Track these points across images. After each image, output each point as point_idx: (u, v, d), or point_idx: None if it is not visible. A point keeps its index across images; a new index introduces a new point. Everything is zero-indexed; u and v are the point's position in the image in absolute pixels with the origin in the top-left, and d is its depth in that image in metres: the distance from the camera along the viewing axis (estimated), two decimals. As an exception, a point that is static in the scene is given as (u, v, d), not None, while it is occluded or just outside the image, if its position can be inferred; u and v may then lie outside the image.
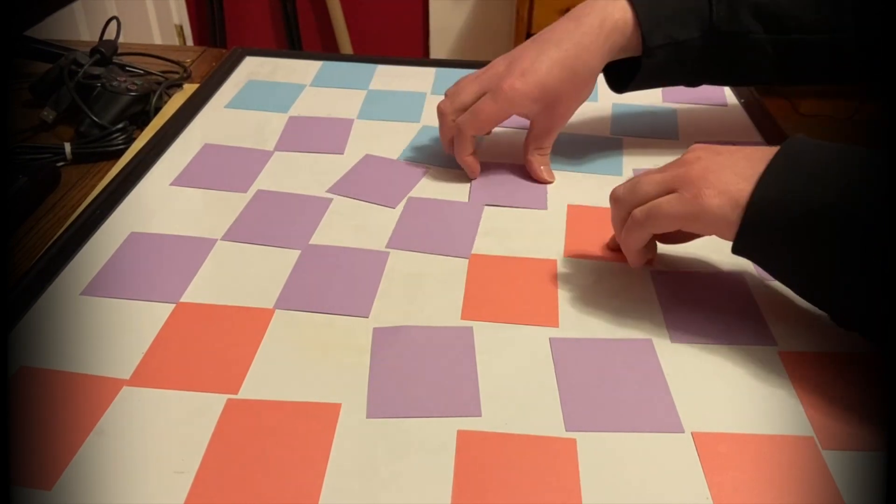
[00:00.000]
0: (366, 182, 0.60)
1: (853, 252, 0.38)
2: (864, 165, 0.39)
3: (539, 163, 0.61)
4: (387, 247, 0.53)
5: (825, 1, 0.56)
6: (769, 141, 0.66)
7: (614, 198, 0.49)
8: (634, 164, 0.63)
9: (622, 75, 0.61)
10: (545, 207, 0.58)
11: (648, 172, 0.47)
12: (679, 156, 0.46)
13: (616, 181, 0.61)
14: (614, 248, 0.52)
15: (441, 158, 0.63)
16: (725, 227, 0.42)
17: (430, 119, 0.70)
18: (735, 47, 0.57)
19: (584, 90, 0.58)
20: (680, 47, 0.57)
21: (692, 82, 0.63)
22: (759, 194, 0.40)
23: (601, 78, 0.61)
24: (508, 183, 0.61)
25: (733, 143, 0.65)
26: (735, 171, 0.42)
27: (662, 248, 0.52)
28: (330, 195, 0.58)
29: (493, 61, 0.59)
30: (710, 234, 0.45)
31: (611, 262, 0.51)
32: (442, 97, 0.75)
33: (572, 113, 0.60)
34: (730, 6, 0.56)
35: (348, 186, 0.60)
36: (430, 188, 0.60)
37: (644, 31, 0.56)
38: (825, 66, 0.58)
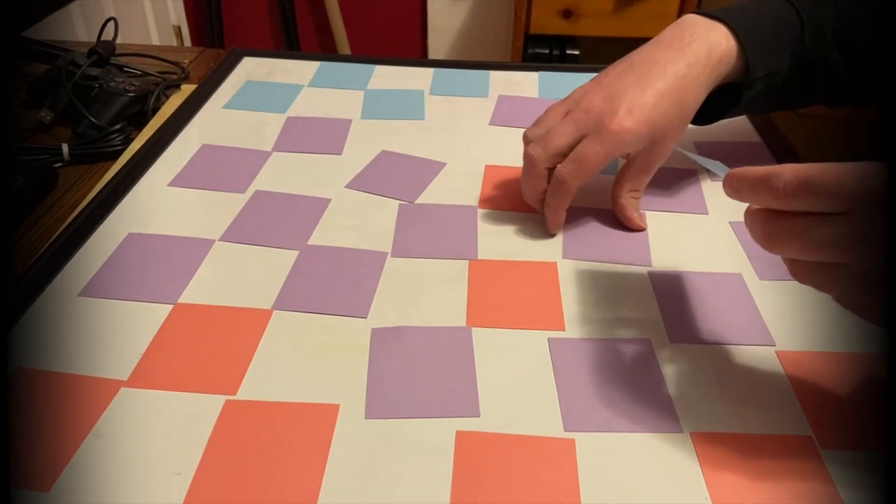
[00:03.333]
0: (383, 178, 0.61)
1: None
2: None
3: (633, 207, 0.54)
4: (390, 253, 0.52)
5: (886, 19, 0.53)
6: (768, 142, 0.66)
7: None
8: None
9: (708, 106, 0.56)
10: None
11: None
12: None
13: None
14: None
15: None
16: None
17: (431, 118, 0.70)
18: (819, 73, 0.54)
19: (687, 123, 0.53)
20: (775, 76, 0.54)
21: (772, 109, 0.60)
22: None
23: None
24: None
25: (732, 144, 0.66)
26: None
27: (660, 247, 0.53)
28: (328, 196, 0.58)
29: (580, 90, 0.53)
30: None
31: (610, 262, 0.51)
32: (440, 97, 0.75)
33: (671, 149, 0.53)
34: (818, 32, 0.53)
35: (365, 181, 0.60)
36: (435, 187, 0.60)
37: (749, 61, 0.52)
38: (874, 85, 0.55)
